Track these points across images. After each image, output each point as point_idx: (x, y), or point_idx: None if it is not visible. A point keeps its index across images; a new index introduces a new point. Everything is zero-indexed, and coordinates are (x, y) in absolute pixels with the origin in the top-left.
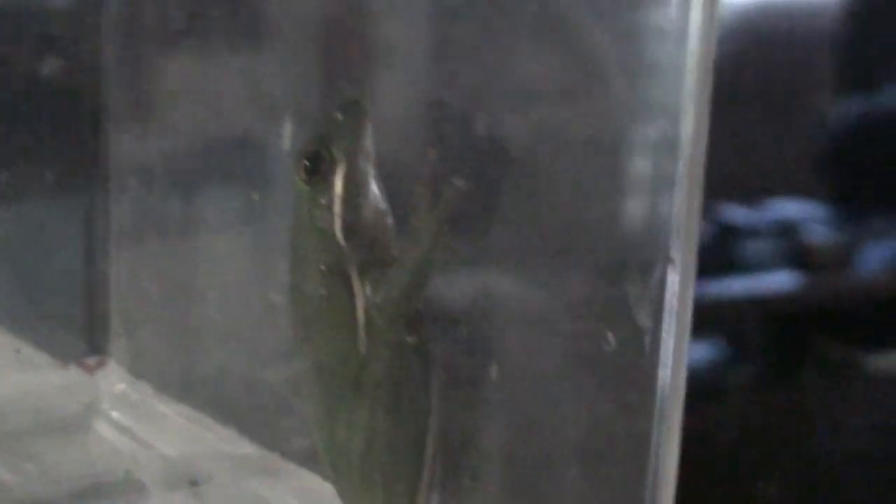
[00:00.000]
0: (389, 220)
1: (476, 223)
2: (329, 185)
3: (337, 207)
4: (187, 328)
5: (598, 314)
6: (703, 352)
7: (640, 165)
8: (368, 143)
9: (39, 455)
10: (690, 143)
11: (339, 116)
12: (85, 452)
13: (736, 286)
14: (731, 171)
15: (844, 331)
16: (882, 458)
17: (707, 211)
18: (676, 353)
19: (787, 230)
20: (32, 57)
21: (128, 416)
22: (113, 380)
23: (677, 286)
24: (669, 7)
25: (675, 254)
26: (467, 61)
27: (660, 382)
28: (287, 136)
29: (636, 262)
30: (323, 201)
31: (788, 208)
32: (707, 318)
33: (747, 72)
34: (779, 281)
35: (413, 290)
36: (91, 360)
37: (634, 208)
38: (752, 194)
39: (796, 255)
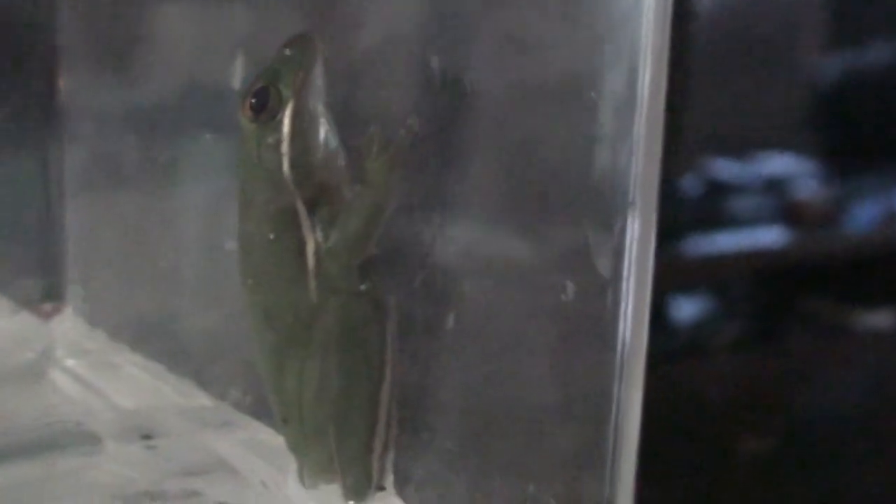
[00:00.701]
0: (342, 161)
1: (432, 166)
2: (277, 124)
3: (285, 146)
4: (143, 276)
5: (558, 263)
6: (691, 308)
7: (601, 116)
8: (320, 80)
9: None
10: (648, 95)
11: (288, 52)
12: (39, 402)
13: (724, 242)
14: (719, 126)
15: (833, 288)
16: (870, 416)
17: (694, 166)
18: (638, 305)
19: (775, 186)
20: None
21: (83, 364)
22: (68, 327)
23: (637, 233)
24: None
25: (636, 201)
26: (427, 3)
27: (620, 334)
28: (237, 75)
29: (597, 210)
30: (270, 140)
31: (777, 163)
32: (695, 275)
33: (735, 24)
34: (767, 237)
35: (365, 235)
36: (47, 306)
37: (595, 158)
38: (739, 149)
39: (785, 211)
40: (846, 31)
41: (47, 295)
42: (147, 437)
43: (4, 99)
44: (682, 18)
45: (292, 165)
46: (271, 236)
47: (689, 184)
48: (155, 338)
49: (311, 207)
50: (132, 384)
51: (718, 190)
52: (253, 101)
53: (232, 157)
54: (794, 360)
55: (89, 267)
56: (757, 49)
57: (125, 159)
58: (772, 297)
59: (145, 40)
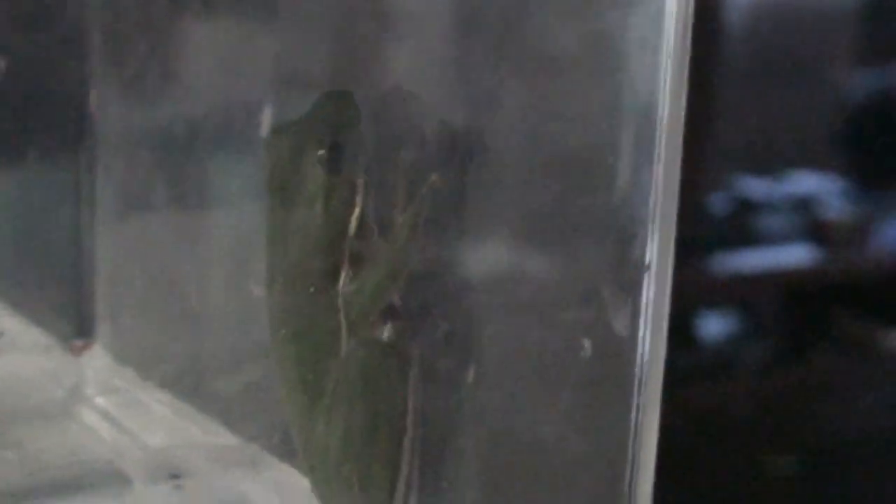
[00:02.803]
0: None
1: (453, 219)
2: (351, 177)
3: (359, 199)
4: (172, 315)
5: (576, 322)
6: (719, 326)
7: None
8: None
9: (20, 441)
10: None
11: (333, 109)
12: (68, 439)
13: (752, 260)
14: (749, 145)
15: (861, 306)
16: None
17: (724, 185)
18: (654, 354)
19: (804, 205)
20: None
21: (112, 402)
22: (98, 364)
23: (653, 294)
24: None
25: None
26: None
27: (636, 386)
28: (265, 124)
29: (614, 271)
30: (342, 193)
31: (806, 182)
32: (723, 292)
33: (766, 46)
34: (795, 256)
35: (387, 286)
36: (78, 343)
37: (609, 199)
38: (769, 168)
39: (813, 229)
40: (873, 49)
41: (78, 331)
42: (175, 476)
43: (40, 136)
44: (702, 38)
45: (358, 218)
46: (312, 289)
47: (730, 204)
48: (183, 376)
49: (351, 261)
50: (160, 423)
51: (753, 209)
52: (322, 153)
53: (253, 202)
54: (829, 376)
55: (119, 304)
56: (783, 67)
57: (156, 196)
58: (804, 314)
59: (178, 71)
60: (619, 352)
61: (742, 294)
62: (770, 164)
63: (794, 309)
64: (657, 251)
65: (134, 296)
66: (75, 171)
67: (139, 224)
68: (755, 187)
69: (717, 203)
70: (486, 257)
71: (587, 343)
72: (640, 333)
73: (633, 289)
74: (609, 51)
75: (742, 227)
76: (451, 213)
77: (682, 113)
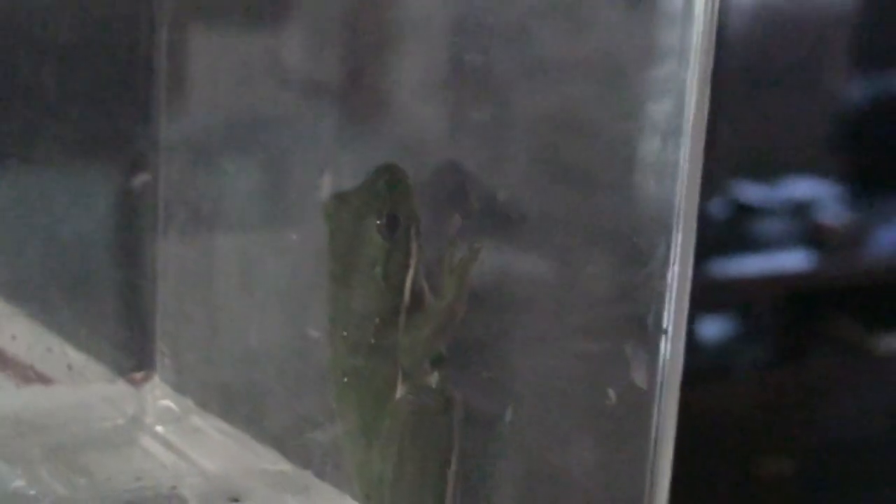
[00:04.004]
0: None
1: (489, 280)
2: (405, 243)
3: (412, 261)
4: (229, 349)
5: (601, 372)
6: (716, 329)
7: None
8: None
9: (90, 467)
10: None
11: (387, 180)
12: (131, 466)
13: (749, 265)
14: (747, 150)
15: (857, 310)
16: (892, 437)
17: (722, 190)
18: (667, 410)
19: (800, 209)
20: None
21: (171, 430)
22: (157, 395)
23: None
24: None
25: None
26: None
27: (652, 442)
28: (325, 188)
29: (634, 330)
30: (398, 257)
31: (802, 187)
32: (720, 296)
33: (764, 52)
34: (792, 260)
35: (437, 337)
36: (137, 375)
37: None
38: (766, 173)
39: (810, 234)
40: (874, 58)
41: (138, 364)
42: (235, 500)
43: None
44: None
45: (412, 279)
46: (372, 341)
47: (727, 208)
48: (239, 408)
49: (406, 317)
50: (218, 450)
51: (750, 213)
52: (380, 223)
53: (309, 252)
54: (825, 380)
55: (178, 339)
56: (788, 75)
57: (213, 242)
58: (800, 318)
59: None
60: (638, 400)
61: (740, 297)
62: (768, 169)
63: (791, 312)
64: (674, 317)
65: (192, 331)
66: (138, 207)
67: (198, 264)
68: (753, 192)
69: (717, 208)
70: (525, 314)
71: (611, 392)
72: (658, 385)
73: (651, 349)
74: None
75: (740, 232)
76: (493, 277)
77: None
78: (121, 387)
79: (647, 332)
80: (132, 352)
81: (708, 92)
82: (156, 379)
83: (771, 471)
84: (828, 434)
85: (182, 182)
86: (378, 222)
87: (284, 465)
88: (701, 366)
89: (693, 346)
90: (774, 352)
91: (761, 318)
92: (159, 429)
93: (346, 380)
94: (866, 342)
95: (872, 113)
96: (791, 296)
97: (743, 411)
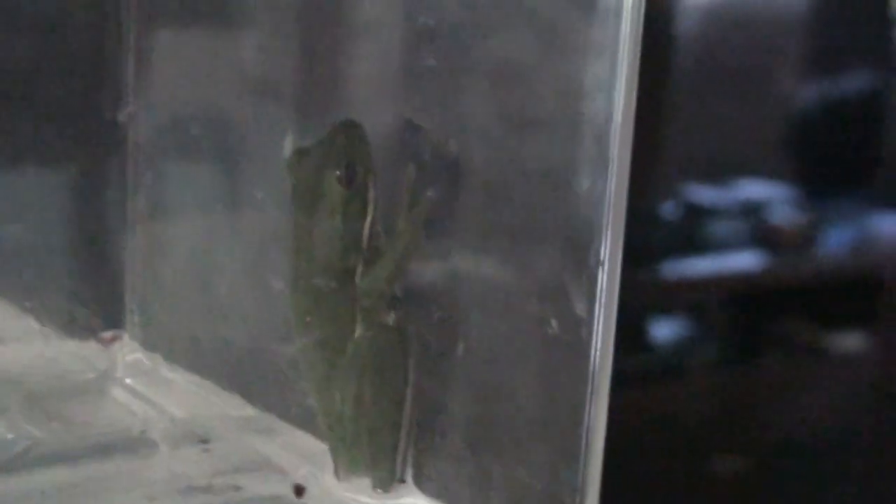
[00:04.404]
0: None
1: (444, 223)
2: (363, 192)
3: (370, 210)
4: (196, 305)
5: (543, 303)
6: (668, 331)
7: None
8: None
9: (64, 415)
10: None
11: (346, 135)
12: (103, 413)
13: (701, 266)
14: (697, 152)
15: (808, 311)
16: (842, 437)
17: (673, 191)
18: (605, 338)
19: (751, 211)
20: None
21: (140, 382)
22: (127, 351)
23: (606, 282)
24: None
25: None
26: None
27: (592, 358)
28: (288, 147)
29: (572, 257)
30: (356, 206)
31: (753, 189)
32: (672, 298)
33: (713, 53)
34: (743, 261)
35: (393, 278)
36: (107, 335)
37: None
38: (717, 175)
39: (761, 235)
40: (820, 58)
41: (108, 323)
42: (204, 441)
43: (74, 135)
44: (650, 45)
45: (370, 225)
46: (333, 284)
47: (679, 210)
48: (206, 359)
49: (364, 260)
50: (186, 398)
51: (692, 215)
52: (339, 173)
53: (278, 204)
54: (776, 380)
55: (146, 298)
56: (738, 76)
57: (177, 199)
58: (746, 319)
59: (200, 76)
60: (578, 329)
61: (690, 298)
62: (719, 171)
63: (742, 313)
64: (609, 252)
65: (160, 291)
66: (105, 174)
67: (165, 222)
68: (703, 194)
69: (666, 209)
70: (473, 256)
71: (554, 322)
72: (596, 315)
73: (590, 281)
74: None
75: (690, 233)
76: (443, 221)
77: (632, 126)
78: (92, 345)
79: (586, 267)
80: (103, 311)
81: (635, 90)
82: (125, 337)
83: (725, 468)
84: (778, 433)
85: (150, 145)
86: (337, 173)
87: (250, 410)
88: (650, 366)
89: (630, 289)
90: (725, 352)
91: (712, 319)
92: (129, 381)
93: (308, 319)
94: (818, 342)
95: (824, 115)
96: (742, 296)
97: (692, 414)
